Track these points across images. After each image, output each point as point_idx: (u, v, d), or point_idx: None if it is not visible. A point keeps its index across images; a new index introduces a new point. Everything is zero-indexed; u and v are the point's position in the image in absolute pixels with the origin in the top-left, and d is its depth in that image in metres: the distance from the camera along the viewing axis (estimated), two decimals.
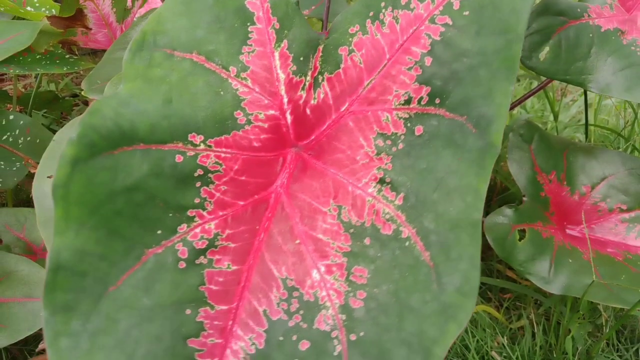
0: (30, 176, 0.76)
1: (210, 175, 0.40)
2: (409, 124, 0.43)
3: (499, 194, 0.93)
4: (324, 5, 0.89)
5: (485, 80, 0.42)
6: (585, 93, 0.85)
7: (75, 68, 0.83)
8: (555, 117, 0.96)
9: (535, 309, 0.78)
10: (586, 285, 0.61)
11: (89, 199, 0.34)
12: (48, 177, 0.53)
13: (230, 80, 0.44)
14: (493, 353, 0.70)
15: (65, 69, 0.82)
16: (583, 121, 1.09)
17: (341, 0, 1.04)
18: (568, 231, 0.71)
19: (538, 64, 0.62)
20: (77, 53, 1.10)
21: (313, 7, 1.02)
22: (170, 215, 0.37)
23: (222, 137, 0.42)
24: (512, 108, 0.78)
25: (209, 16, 0.44)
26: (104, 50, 1.08)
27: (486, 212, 0.77)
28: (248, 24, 0.44)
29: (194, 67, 0.43)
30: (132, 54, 0.41)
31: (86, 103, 1.21)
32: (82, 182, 0.34)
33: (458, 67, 0.42)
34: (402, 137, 0.43)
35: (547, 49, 0.62)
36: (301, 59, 0.46)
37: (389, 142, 0.43)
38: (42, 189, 0.52)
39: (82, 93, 0.68)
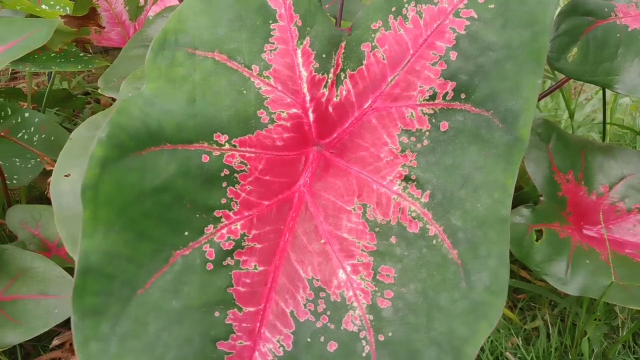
0: (43, 173, 0.77)
1: (236, 175, 0.40)
2: (434, 120, 0.43)
3: (514, 192, 0.92)
4: (338, 3, 0.88)
5: (512, 74, 0.41)
6: (603, 91, 0.83)
7: (90, 66, 0.83)
8: (571, 116, 0.95)
9: (550, 309, 0.77)
10: (604, 286, 0.60)
11: (117, 200, 0.34)
12: (65, 175, 0.53)
13: (252, 79, 0.43)
14: (507, 354, 0.70)
15: (79, 67, 0.82)
16: (597, 120, 1.07)
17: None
18: (585, 231, 0.71)
19: (566, 65, 0.61)
20: (90, 51, 1.10)
21: (327, 6, 1.01)
22: (197, 216, 0.37)
23: (246, 137, 0.42)
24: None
25: (231, 14, 0.44)
26: (117, 49, 1.08)
27: None
28: (270, 21, 0.44)
29: (216, 66, 0.43)
30: (154, 54, 0.41)
31: (98, 101, 1.21)
32: (111, 184, 0.33)
33: (484, 61, 0.42)
34: (427, 133, 0.43)
35: (575, 50, 0.61)
36: (323, 56, 0.45)
37: (413, 138, 0.43)
38: (59, 187, 0.52)
39: (99, 90, 0.68)
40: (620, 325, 0.73)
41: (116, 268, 0.33)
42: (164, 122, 0.37)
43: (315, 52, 0.45)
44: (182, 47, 0.43)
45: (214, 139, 0.40)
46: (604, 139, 0.87)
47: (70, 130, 1.12)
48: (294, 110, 0.44)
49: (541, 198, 0.70)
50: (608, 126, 1.02)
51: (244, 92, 0.43)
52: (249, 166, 0.41)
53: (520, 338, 0.72)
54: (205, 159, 0.39)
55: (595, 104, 1.16)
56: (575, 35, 0.61)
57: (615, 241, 0.69)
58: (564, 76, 0.68)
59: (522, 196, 0.93)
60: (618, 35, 0.61)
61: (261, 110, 0.43)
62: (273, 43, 0.44)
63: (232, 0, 0.44)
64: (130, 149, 0.35)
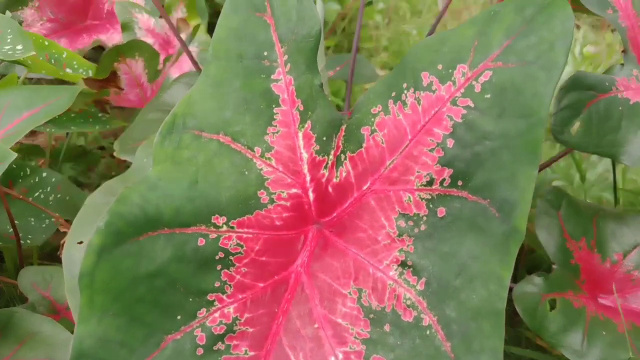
0: (57, 231, 0.79)
1: (231, 257, 0.41)
2: (431, 205, 0.43)
3: (526, 255, 0.90)
4: (349, 67, 0.91)
5: (508, 164, 0.41)
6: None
7: (107, 127, 0.87)
8: (582, 179, 0.93)
9: None
10: (622, 359, 0.57)
11: (113, 286, 0.35)
12: (78, 243, 0.55)
13: (255, 160, 0.45)
14: None
15: (97, 127, 0.86)
16: (610, 179, 1.05)
17: (365, 61, 1.07)
18: (601, 300, 0.68)
19: (570, 138, 0.61)
20: (108, 111, 1.16)
21: (338, 68, 1.05)
22: (190, 300, 0.38)
23: (245, 218, 0.43)
24: (539, 171, 0.76)
25: (237, 98, 0.46)
26: (134, 108, 1.15)
27: (514, 277, 0.74)
28: (273, 105, 0.46)
29: (220, 148, 0.44)
30: (162, 137, 0.43)
31: (113, 156, 1.25)
32: (107, 270, 0.35)
33: (480, 150, 0.42)
34: (425, 218, 0.43)
35: (578, 123, 0.61)
36: (324, 138, 0.47)
37: (411, 223, 0.43)
38: (71, 255, 0.54)
39: (115, 154, 0.71)
40: None
41: (109, 353, 0.34)
42: (163, 207, 0.39)
43: (316, 134, 0.46)
44: (190, 129, 0.45)
45: (212, 221, 0.41)
46: (615, 203, 0.85)
47: (84, 185, 1.17)
48: (294, 191, 0.46)
49: (554, 266, 0.69)
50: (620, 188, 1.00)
51: (246, 172, 0.44)
52: (245, 248, 0.42)
53: None
54: (201, 242, 0.40)
55: (608, 162, 1.13)
56: (578, 109, 0.62)
57: (633, 312, 0.67)
58: None
59: (535, 259, 0.91)
60: (620, 108, 0.61)
61: (262, 190, 0.44)
62: (276, 126, 0.46)
63: (238, 85, 0.46)
64: (127, 235, 0.36)
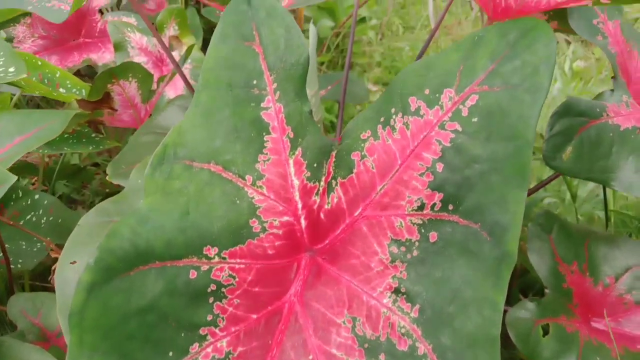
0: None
1: (223, 289, 0.40)
2: (423, 230, 0.43)
3: (520, 276, 0.90)
4: (341, 86, 0.92)
5: (498, 187, 0.41)
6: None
7: (101, 147, 0.87)
8: (573, 198, 0.94)
9: None
10: None
11: (102, 323, 0.34)
12: (71, 262, 0.55)
13: (246, 189, 0.45)
14: None
15: (91, 148, 0.86)
16: (601, 196, 1.05)
17: (357, 80, 1.08)
18: (593, 324, 0.68)
19: (561, 164, 0.62)
20: (102, 131, 1.16)
21: (329, 87, 1.06)
22: (182, 335, 0.37)
23: (237, 248, 0.43)
24: (530, 194, 0.77)
25: (227, 127, 0.46)
26: (128, 129, 1.14)
27: (507, 297, 0.74)
28: (264, 133, 0.46)
29: (211, 177, 0.44)
30: (152, 169, 0.43)
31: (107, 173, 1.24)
32: (97, 308, 0.34)
33: (470, 173, 0.42)
34: (417, 243, 0.43)
35: (569, 149, 0.62)
36: (315, 165, 0.47)
37: (403, 248, 0.43)
38: (64, 275, 0.53)
39: (107, 178, 0.71)
40: None
41: None
42: (154, 240, 0.39)
43: (307, 161, 0.46)
44: (180, 159, 0.45)
45: (204, 252, 0.41)
46: (607, 222, 0.86)
47: (77, 202, 1.16)
48: (286, 218, 0.45)
49: (546, 290, 0.69)
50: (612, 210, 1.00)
51: (237, 201, 0.44)
52: (237, 279, 0.41)
53: None
54: (192, 274, 0.40)
55: None
56: (569, 135, 0.62)
57: (626, 336, 0.66)
58: None
59: (528, 280, 0.91)
60: (611, 134, 0.62)
61: (253, 219, 0.44)
62: (266, 154, 0.46)
63: (228, 113, 0.47)
64: (118, 271, 0.36)
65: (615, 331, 0.65)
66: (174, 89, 1.11)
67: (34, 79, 0.82)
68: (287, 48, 0.46)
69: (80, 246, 0.53)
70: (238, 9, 0.47)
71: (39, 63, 0.84)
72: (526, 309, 0.64)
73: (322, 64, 1.65)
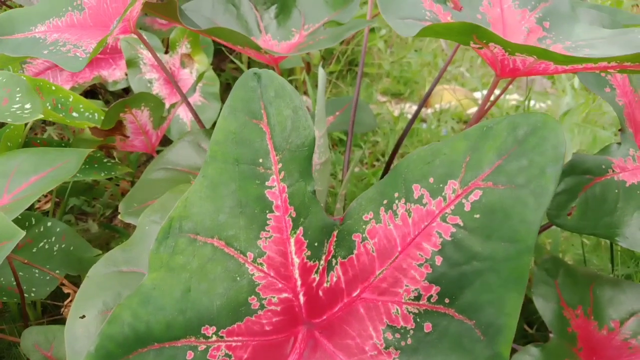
0: None
1: None
2: (418, 320, 0.43)
3: (525, 305, 0.91)
4: (350, 111, 0.91)
5: (495, 287, 0.42)
6: None
7: (112, 173, 0.89)
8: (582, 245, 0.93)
9: None
10: None
11: None
12: (81, 317, 0.57)
13: (247, 266, 0.46)
14: None
15: (103, 174, 0.88)
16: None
17: (366, 107, 1.07)
18: None
19: (566, 222, 0.62)
20: (114, 156, 1.18)
21: (337, 113, 1.05)
22: None
23: (235, 326, 0.44)
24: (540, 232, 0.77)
25: (232, 201, 0.47)
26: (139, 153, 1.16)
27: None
28: (267, 211, 0.47)
29: (214, 253, 0.46)
30: (158, 244, 0.45)
31: (117, 185, 1.27)
32: None
33: (468, 270, 0.43)
34: (411, 332, 0.43)
35: (574, 206, 0.61)
36: (316, 244, 0.47)
37: (397, 335, 0.44)
38: (74, 331, 0.55)
39: (119, 217, 0.73)
40: None
41: None
42: (154, 323, 0.40)
43: (307, 240, 0.47)
44: (185, 233, 0.46)
45: (202, 332, 0.42)
46: (613, 269, 0.85)
47: (88, 215, 1.19)
48: (284, 295, 0.46)
49: (551, 335, 0.69)
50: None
51: (238, 278, 0.45)
52: (233, 358, 0.43)
53: None
54: (189, 355, 0.41)
55: None
56: (574, 193, 0.62)
57: None
58: None
59: (534, 309, 0.91)
60: (616, 191, 0.62)
61: (252, 296, 0.45)
62: (269, 231, 0.47)
63: (234, 188, 0.48)
64: (117, 356, 0.38)
65: None
66: (185, 112, 1.13)
67: (47, 105, 0.84)
68: (293, 130, 0.47)
69: (89, 299, 0.55)
70: (248, 85, 0.47)
71: (53, 88, 0.86)
72: (530, 355, 0.65)
73: (331, 73, 1.65)
